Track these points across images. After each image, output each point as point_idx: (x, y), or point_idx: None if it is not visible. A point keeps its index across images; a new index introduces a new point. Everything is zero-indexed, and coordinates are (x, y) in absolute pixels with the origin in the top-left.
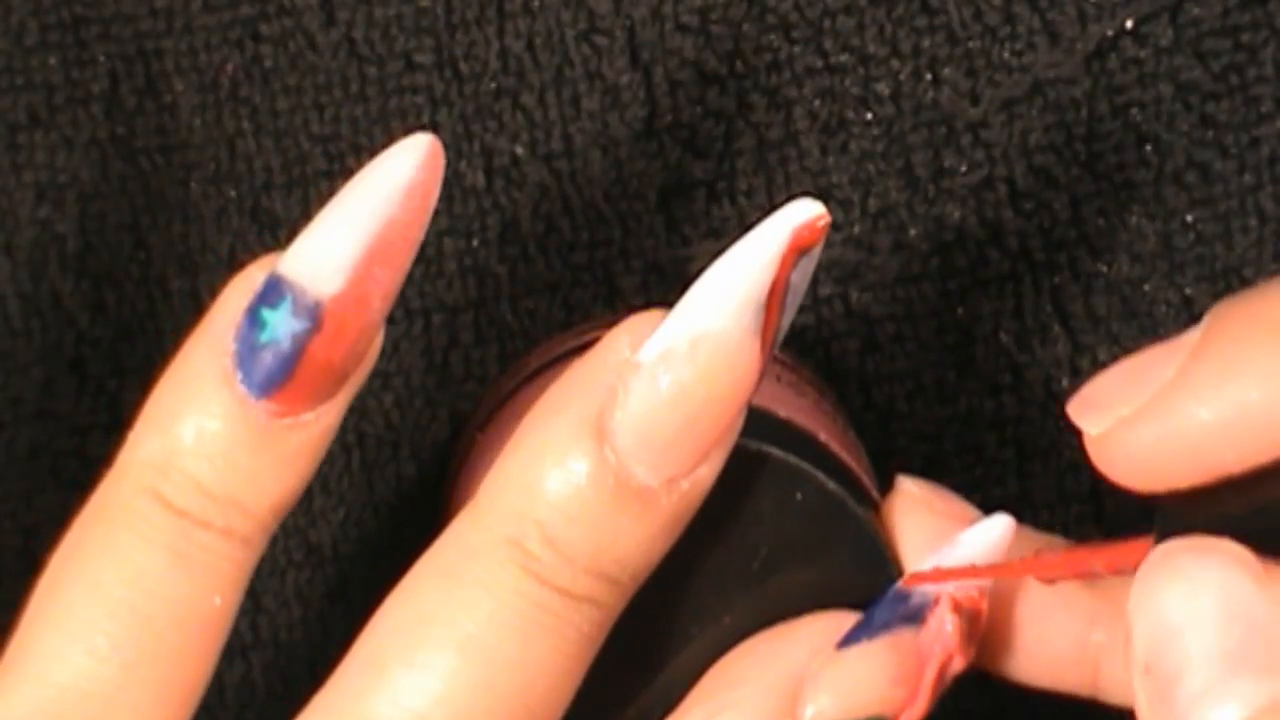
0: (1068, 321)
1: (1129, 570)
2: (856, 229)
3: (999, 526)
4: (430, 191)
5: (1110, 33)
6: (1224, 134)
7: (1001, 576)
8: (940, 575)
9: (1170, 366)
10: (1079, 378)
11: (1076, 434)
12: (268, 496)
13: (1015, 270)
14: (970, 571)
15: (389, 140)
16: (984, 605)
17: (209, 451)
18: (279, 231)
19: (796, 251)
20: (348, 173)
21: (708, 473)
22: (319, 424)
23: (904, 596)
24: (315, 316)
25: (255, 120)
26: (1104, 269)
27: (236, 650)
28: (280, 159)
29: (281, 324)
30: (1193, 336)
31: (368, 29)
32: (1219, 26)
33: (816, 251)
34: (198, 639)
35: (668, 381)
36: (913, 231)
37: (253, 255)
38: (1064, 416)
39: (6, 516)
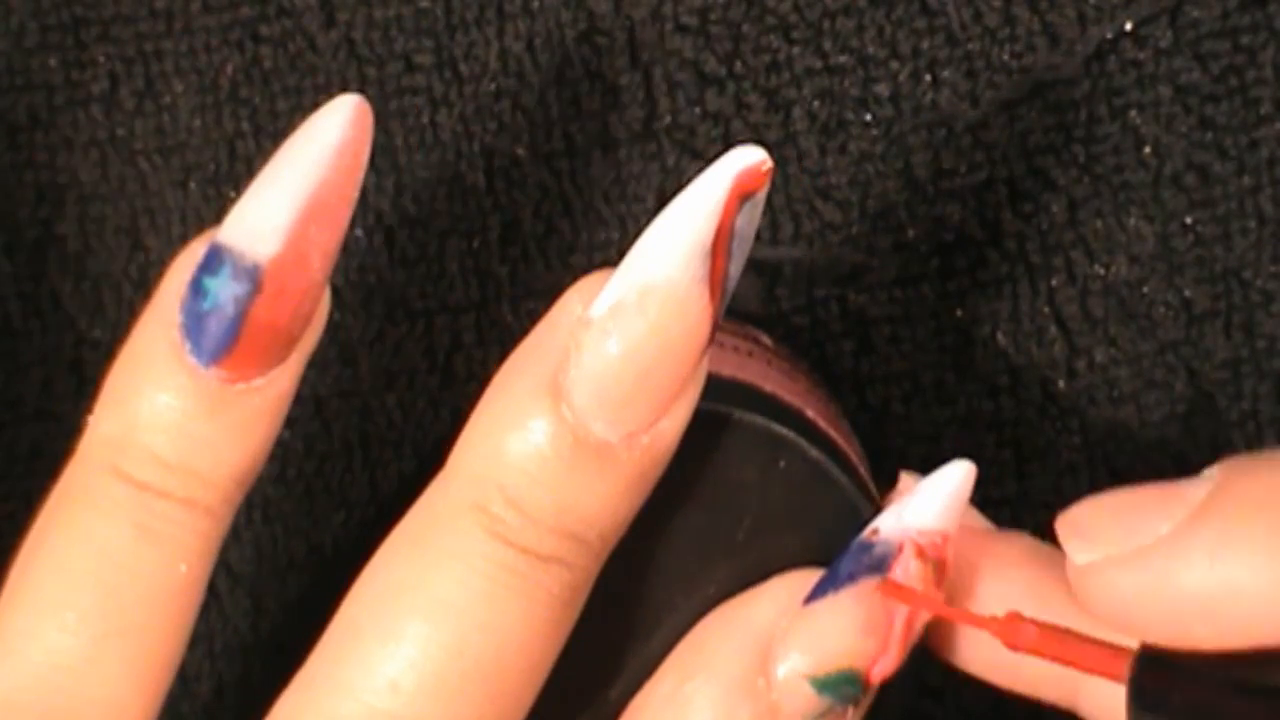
0: (1065, 323)
1: (1105, 676)
2: (855, 230)
3: (958, 474)
4: (360, 149)
5: (1110, 35)
6: (1223, 136)
7: (970, 624)
8: (908, 597)
9: (1168, 518)
10: (1076, 379)
11: (1074, 435)
12: (226, 464)
13: (1013, 272)
14: (939, 609)
15: (388, 142)
16: (948, 553)
17: (164, 423)
18: None
19: (740, 197)
20: None
21: (670, 427)
22: (272, 389)
23: (868, 547)
24: (255, 279)
25: (255, 121)
26: (1102, 271)
27: (236, 651)
28: None
29: (223, 289)
30: (1197, 493)
31: (367, 30)
32: (1218, 28)
33: (761, 197)
34: (167, 610)
35: (618, 335)
36: (911, 232)
37: None
38: (1062, 418)
39: (6, 517)
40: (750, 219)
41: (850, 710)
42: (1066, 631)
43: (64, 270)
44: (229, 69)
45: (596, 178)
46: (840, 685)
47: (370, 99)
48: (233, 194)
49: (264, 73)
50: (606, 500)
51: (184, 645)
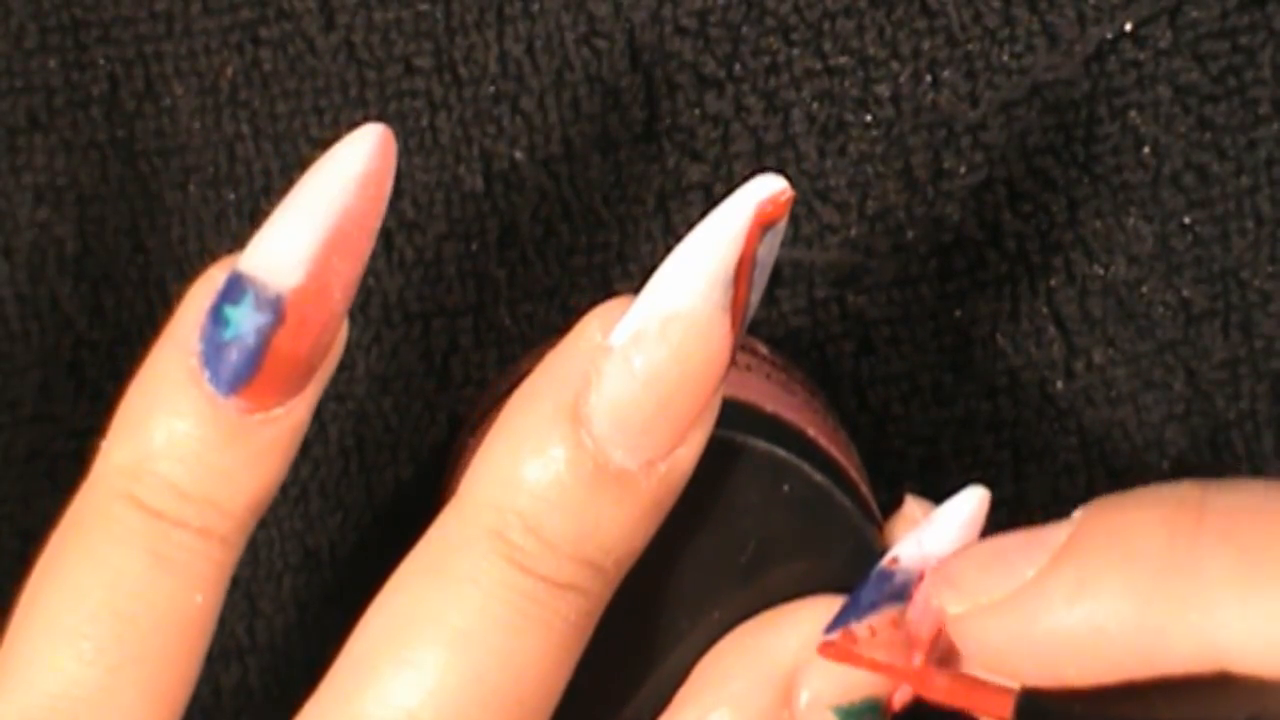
0: (1063, 324)
1: (995, 716)
2: (854, 231)
3: (973, 500)
4: (384, 180)
5: (1109, 35)
6: (1222, 136)
7: (890, 676)
8: (845, 657)
9: (1032, 564)
10: (1074, 380)
11: (1072, 436)
12: (243, 494)
13: (1013, 272)
14: (863, 662)
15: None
16: None
17: (181, 452)
18: None
19: (761, 226)
20: None
21: (687, 455)
22: (290, 419)
23: (888, 576)
24: (278, 310)
25: (254, 124)
26: (1101, 271)
27: (233, 654)
28: (280, 162)
29: (245, 319)
30: (1059, 536)
31: (367, 33)
32: (1217, 29)
33: (782, 226)
34: (182, 639)
35: (640, 363)
36: (911, 234)
37: None
38: (1060, 419)
39: (4, 519)
40: (771, 247)
41: None
42: (974, 680)
43: (62, 273)
44: (228, 71)
45: (596, 180)
46: (864, 714)
47: (369, 102)
48: (232, 196)
49: (264, 75)
50: (624, 527)
51: (197, 674)
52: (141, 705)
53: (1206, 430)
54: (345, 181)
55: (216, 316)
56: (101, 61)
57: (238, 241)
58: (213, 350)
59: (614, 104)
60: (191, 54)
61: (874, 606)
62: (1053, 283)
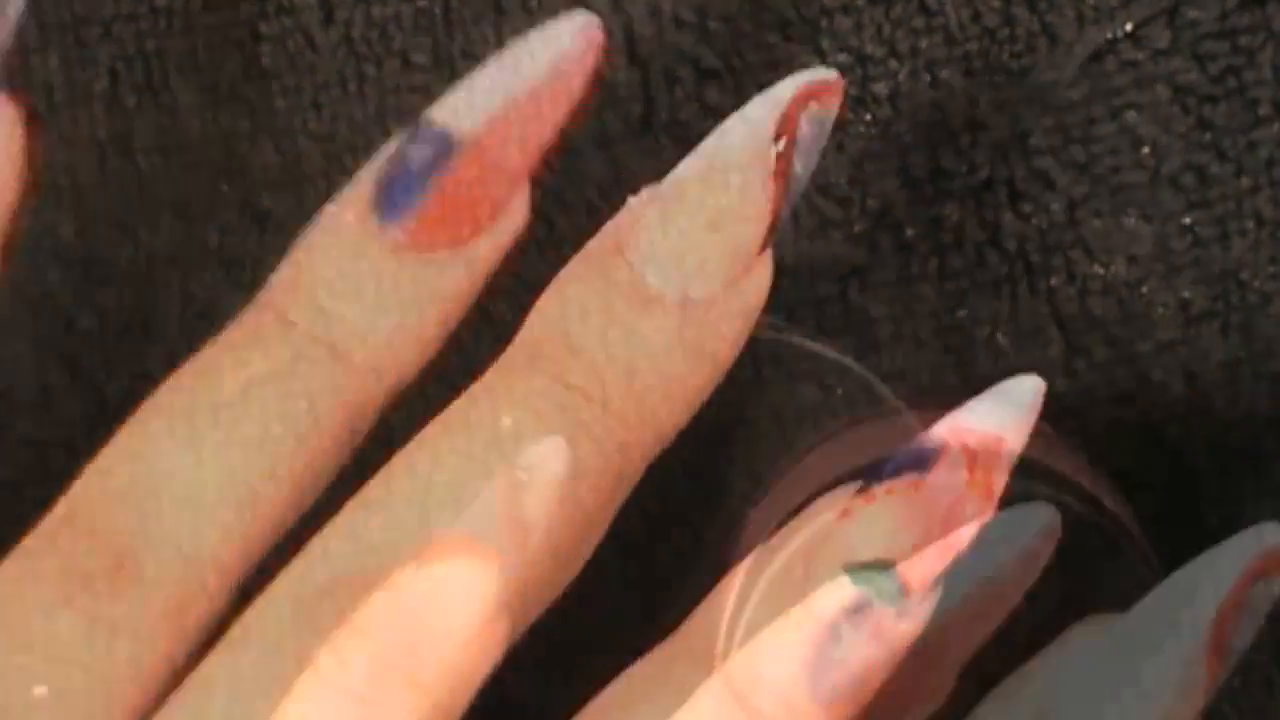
0: (1063, 324)
1: None
2: (857, 227)
3: (1027, 383)
4: (582, 62)
5: (1108, 35)
6: (1221, 137)
7: None
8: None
9: None
10: (1074, 379)
11: (1072, 436)
12: (385, 330)
13: (1013, 272)
14: None
15: (387, 139)
16: (1003, 450)
17: (333, 275)
18: (276, 231)
19: (805, 98)
20: (346, 172)
21: (738, 306)
22: (450, 269)
23: (915, 445)
24: (448, 148)
25: (253, 119)
26: (1100, 271)
27: None
28: (279, 159)
29: (416, 154)
30: None
31: (366, 28)
32: (1216, 29)
33: (829, 116)
34: (297, 445)
35: (685, 201)
36: (911, 233)
37: (249, 255)
38: (1060, 419)
39: None
40: (815, 136)
41: (893, 615)
42: None
43: (59, 265)
44: (228, 67)
45: (593, 174)
46: (874, 578)
47: (368, 97)
48: (231, 193)
49: (263, 71)
50: (669, 368)
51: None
52: (251, 483)
53: (1206, 431)
54: (541, 55)
55: (394, 155)
56: (102, 58)
57: (235, 237)
58: (384, 181)
59: (611, 98)
60: (191, 50)
61: (895, 474)
62: (1053, 283)
